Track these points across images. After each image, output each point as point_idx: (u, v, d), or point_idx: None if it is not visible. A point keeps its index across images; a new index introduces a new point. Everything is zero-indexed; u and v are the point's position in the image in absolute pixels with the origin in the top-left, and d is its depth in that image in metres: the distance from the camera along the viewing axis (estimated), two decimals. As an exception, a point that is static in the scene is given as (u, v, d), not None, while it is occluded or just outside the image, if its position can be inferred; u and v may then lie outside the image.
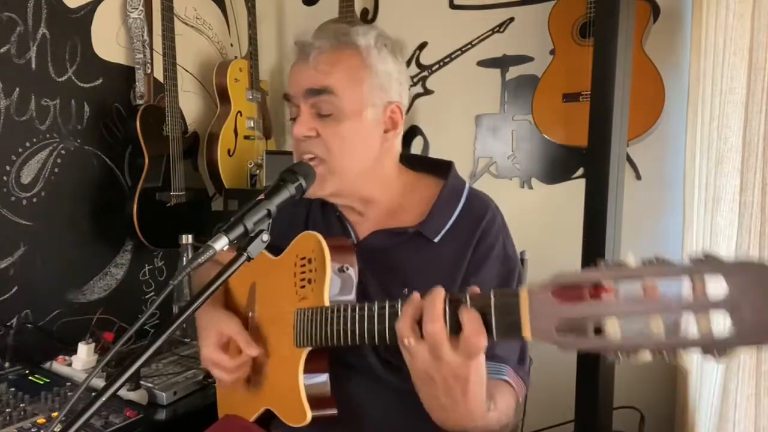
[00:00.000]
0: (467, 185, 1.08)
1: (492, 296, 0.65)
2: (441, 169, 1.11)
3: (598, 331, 0.53)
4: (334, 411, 0.95)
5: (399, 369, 1.00)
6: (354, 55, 0.99)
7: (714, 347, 0.47)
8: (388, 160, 1.07)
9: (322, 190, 1.01)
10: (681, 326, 0.48)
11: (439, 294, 0.68)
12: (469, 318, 0.65)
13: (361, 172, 1.02)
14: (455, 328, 0.67)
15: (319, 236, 0.97)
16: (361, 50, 0.99)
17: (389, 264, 1.02)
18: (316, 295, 0.95)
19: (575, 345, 0.56)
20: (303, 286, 0.98)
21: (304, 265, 0.99)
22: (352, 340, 0.85)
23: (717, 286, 0.47)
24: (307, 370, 0.95)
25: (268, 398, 1.04)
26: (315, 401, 0.93)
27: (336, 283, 0.95)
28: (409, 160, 1.13)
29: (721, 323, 0.47)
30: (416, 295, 0.71)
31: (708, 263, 0.48)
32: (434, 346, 0.66)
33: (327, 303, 0.92)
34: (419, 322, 0.69)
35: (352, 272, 0.96)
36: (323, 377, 0.97)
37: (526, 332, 0.61)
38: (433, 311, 0.67)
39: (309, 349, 0.95)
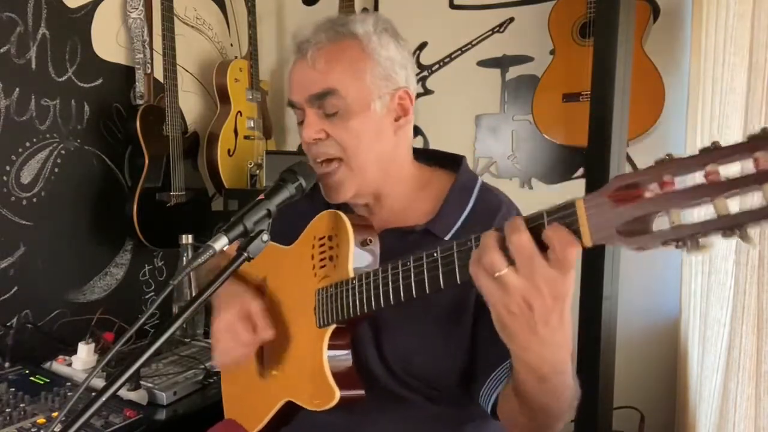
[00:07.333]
0: (479, 180, 1.05)
1: (545, 213, 0.61)
2: (452, 163, 1.07)
3: None
4: (361, 392, 0.92)
5: (411, 387, 0.97)
6: (353, 46, 0.95)
7: None
8: (402, 149, 1.02)
9: (343, 194, 0.98)
10: (747, 200, 0.47)
11: (515, 218, 0.63)
12: (555, 230, 0.59)
13: (379, 165, 0.98)
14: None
15: (339, 212, 0.94)
16: (361, 39, 0.95)
17: None
18: (339, 270, 0.92)
19: (640, 243, 0.53)
20: (323, 266, 0.96)
21: (323, 245, 0.97)
22: (377, 304, 0.83)
23: None
24: (332, 348, 0.93)
25: (288, 389, 1.01)
26: (341, 379, 0.91)
27: (360, 257, 0.91)
28: (420, 154, 1.09)
29: None
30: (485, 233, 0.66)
31: (764, 136, 0.46)
32: (527, 260, 0.60)
33: (351, 275, 0.89)
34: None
35: (376, 246, 0.92)
36: (347, 354, 0.94)
37: (587, 240, 0.57)
38: (514, 225, 0.61)
39: (333, 327, 0.92)
